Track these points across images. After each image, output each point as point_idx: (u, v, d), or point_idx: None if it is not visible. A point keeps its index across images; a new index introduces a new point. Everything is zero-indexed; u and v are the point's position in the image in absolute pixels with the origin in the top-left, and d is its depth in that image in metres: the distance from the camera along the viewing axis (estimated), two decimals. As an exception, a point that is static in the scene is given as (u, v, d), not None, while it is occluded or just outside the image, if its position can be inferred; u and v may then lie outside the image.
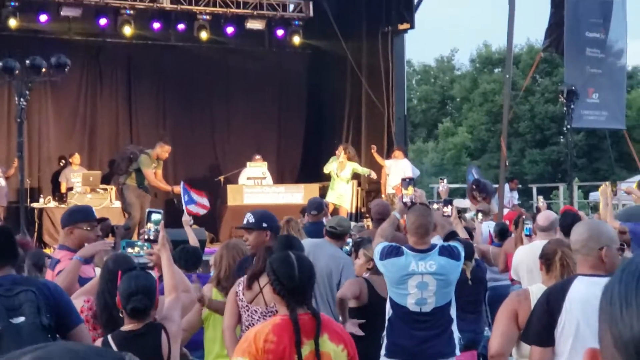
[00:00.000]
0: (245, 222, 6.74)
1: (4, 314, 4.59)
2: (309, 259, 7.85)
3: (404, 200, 7.56)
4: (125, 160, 16.59)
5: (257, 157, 19.70)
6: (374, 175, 19.17)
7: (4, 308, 4.62)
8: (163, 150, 16.88)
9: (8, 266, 4.85)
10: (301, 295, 4.63)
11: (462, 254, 7.02)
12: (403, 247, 6.81)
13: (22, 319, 4.59)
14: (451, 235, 7.25)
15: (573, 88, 17.82)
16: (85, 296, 5.55)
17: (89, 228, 6.65)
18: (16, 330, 4.59)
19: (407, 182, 8.85)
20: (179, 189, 17.26)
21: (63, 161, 19.61)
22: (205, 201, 15.57)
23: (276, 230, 6.94)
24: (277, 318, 4.60)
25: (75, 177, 18.30)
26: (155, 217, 5.51)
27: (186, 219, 10.15)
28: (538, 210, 14.63)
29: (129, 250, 5.55)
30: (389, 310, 6.86)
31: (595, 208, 17.86)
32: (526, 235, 9.30)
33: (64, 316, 4.86)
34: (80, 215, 6.75)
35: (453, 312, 6.97)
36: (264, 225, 6.79)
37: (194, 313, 6.31)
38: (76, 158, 19.13)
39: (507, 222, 11.78)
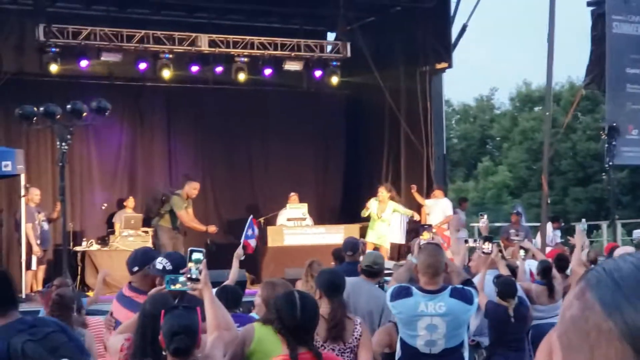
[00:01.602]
0: (160, 267, 6.48)
1: (49, 357, 4.48)
2: (348, 298, 7.82)
3: (421, 244, 7.52)
4: (158, 203, 16.66)
5: (293, 194, 19.69)
6: (416, 217, 19.08)
7: (44, 351, 4.50)
8: (192, 187, 16.93)
9: (14, 311, 4.76)
10: (302, 334, 4.61)
11: (476, 299, 6.88)
12: (412, 288, 6.73)
13: None
14: (467, 283, 7.18)
15: (614, 125, 17.72)
16: (127, 334, 5.55)
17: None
18: None
19: (424, 227, 8.83)
20: (213, 228, 17.29)
21: (105, 205, 19.67)
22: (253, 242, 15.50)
23: None
24: (279, 358, 4.60)
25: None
26: (197, 256, 5.49)
27: (240, 252, 10.05)
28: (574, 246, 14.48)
29: (172, 287, 5.54)
30: (398, 352, 6.77)
31: (638, 245, 17.67)
32: None
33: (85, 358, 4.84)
34: (153, 253, 6.79)
35: (466, 354, 6.86)
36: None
37: (237, 350, 6.26)
38: (130, 201, 19.24)
39: (550, 261, 11.64)
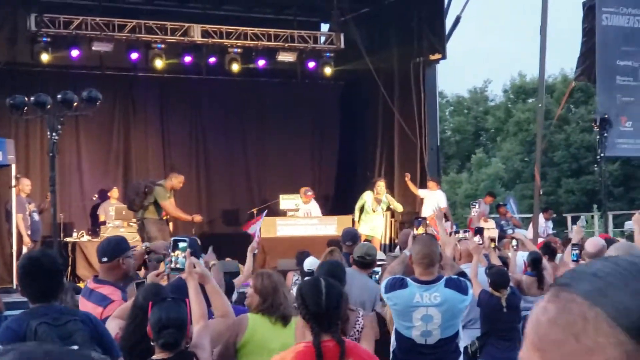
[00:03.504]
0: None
1: (58, 341, 4.57)
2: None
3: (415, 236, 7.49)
4: (140, 195, 16.44)
5: (309, 193, 19.47)
6: (400, 209, 19.20)
7: (56, 336, 4.62)
8: (177, 180, 16.80)
9: (50, 298, 4.89)
10: (326, 321, 4.58)
11: (470, 290, 6.86)
12: (407, 279, 6.70)
13: (75, 347, 4.56)
14: (460, 275, 7.16)
15: (606, 116, 17.70)
16: (120, 321, 5.53)
17: (131, 256, 6.65)
18: None
19: (419, 221, 8.78)
20: (199, 218, 17.22)
21: (96, 196, 19.65)
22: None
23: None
24: (301, 345, 4.57)
25: (112, 211, 18.39)
26: (182, 245, 5.47)
27: (254, 246, 10.11)
28: (567, 239, 14.49)
29: (172, 266, 5.53)
30: (393, 343, 6.74)
31: (630, 237, 17.65)
32: (573, 261, 9.15)
33: (107, 349, 4.83)
34: (126, 245, 6.71)
35: (461, 344, 6.85)
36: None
37: (228, 340, 6.22)
38: (114, 192, 19.21)
39: (541, 252, 11.61)
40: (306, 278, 6.13)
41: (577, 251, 9.15)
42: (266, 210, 15.62)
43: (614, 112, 18.05)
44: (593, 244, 8.43)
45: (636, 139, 18.79)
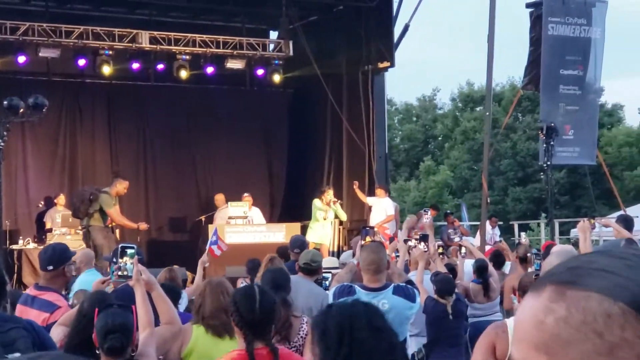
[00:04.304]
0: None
1: (0, 349, 4.55)
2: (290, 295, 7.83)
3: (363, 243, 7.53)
4: (86, 202, 16.28)
5: (245, 195, 19.44)
6: (344, 218, 19.34)
7: None
8: (123, 186, 16.68)
9: None
10: (259, 328, 4.59)
11: (418, 298, 6.92)
12: (355, 286, 6.73)
13: (17, 354, 4.55)
14: (408, 284, 7.21)
15: (552, 125, 17.86)
16: (65, 328, 5.51)
17: (73, 263, 6.64)
18: None
19: (366, 231, 8.81)
20: (144, 225, 17.13)
21: (41, 203, 19.49)
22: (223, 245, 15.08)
23: None
24: (234, 352, 4.58)
25: (59, 217, 18.21)
26: (130, 252, 5.46)
27: (204, 259, 10.10)
28: (519, 244, 14.60)
29: (119, 273, 5.52)
30: None
31: (576, 244, 17.88)
32: (537, 270, 9.21)
33: None
34: (70, 253, 6.72)
35: (409, 351, 6.89)
36: None
37: (173, 348, 6.20)
38: (61, 199, 19.01)
39: (486, 259, 11.71)
40: (240, 286, 6.12)
41: (540, 261, 9.19)
42: (216, 227, 15.51)
43: (558, 120, 18.24)
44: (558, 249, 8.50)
45: (574, 147, 19.01)
